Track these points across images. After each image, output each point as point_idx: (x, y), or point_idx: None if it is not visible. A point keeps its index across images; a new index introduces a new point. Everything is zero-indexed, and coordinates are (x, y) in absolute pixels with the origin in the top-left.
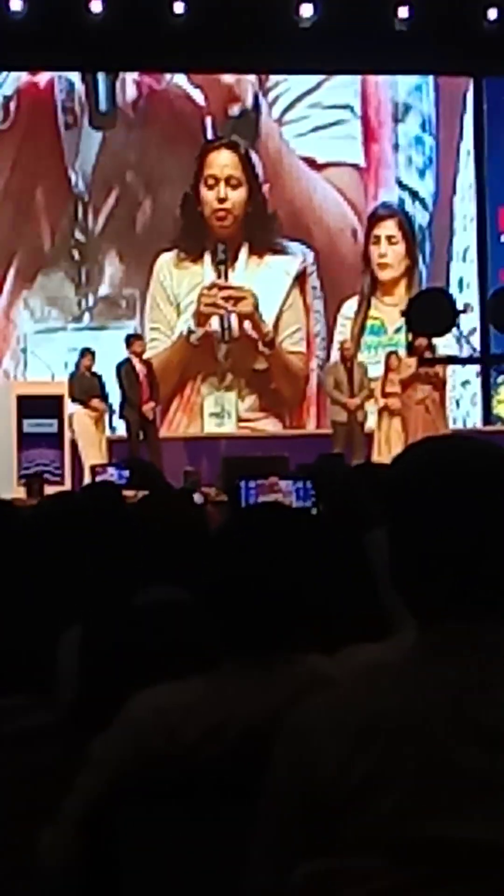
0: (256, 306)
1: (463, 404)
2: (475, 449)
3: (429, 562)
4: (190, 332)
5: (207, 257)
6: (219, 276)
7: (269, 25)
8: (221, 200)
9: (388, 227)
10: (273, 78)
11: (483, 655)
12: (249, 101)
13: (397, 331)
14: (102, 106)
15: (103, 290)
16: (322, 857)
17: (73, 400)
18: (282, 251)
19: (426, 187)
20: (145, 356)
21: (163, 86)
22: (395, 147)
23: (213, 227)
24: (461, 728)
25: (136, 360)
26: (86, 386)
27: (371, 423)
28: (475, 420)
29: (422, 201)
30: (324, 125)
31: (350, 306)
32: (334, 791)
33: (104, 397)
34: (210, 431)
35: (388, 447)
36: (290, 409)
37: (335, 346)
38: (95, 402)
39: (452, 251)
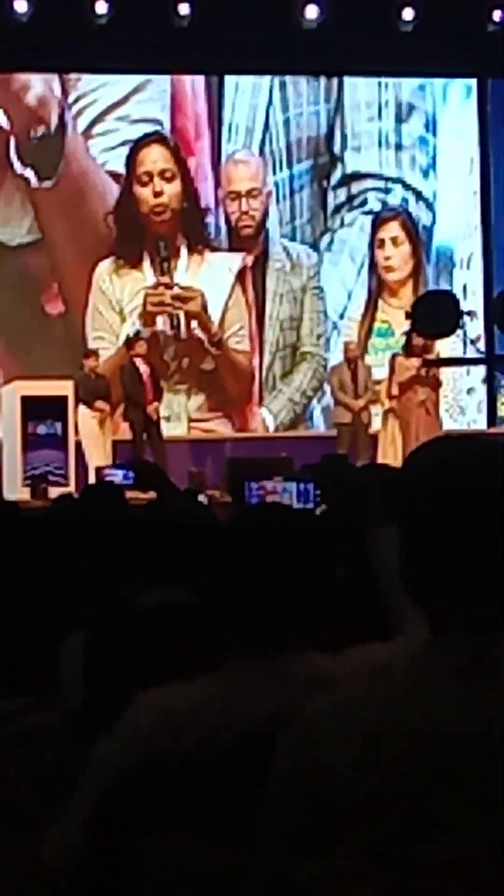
0: (205, 307)
1: (469, 412)
2: (490, 449)
3: (442, 567)
4: (137, 333)
5: (146, 262)
6: (162, 274)
7: (274, 27)
8: (157, 194)
9: (392, 229)
10: (80, 88)
11: (491, 668)
12: (54, 122)
13: (404, 333)
14: None
15: None
16: (326, 857)
17: (78, 401)
18: (220, 248)
19: (430, 188)
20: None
21: None
22: (399, 147)
23: (151, 225)
24: (469, 739)
25: (139, 361)
26: (91, 387)
27: (376, 424)
28: (480, 424)
29: (426, 201)
30: (131, 140)
31: (356, 308)
32: (342, 800)
33: (109, 399)
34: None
35: (392, 449)
36: (238, 408)
37: (340, 346)
38: (100, 404)
39: (456, 258)
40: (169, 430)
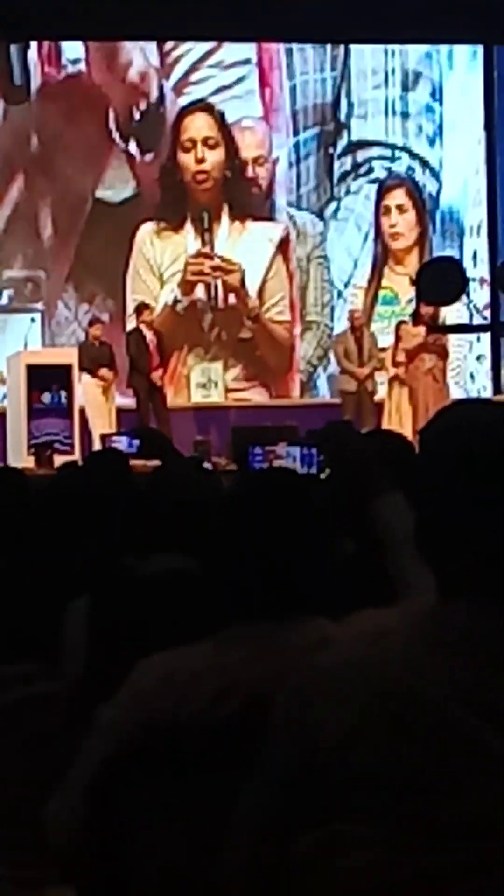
0: (243, 281)
1: (479, 378)
2: None
3: (454, 532)
4: (176, 301)
5: (188, 226)
6: (203, 244)
7: None
8: (200, 161)
9: (398, 196)
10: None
11: (497, 636)
12: (154, 95)
13: (410, 300)
14: (17, 79)
15: (7, 273)
16: (324, 823)
17: (82, 369)
18: (263, 217)
19: (435, 156)
20: (128, 328)
21: (62, 76)
22: (405, 115)
23: (193, 192)
24: (472, 706)
25: (145, 329)
26: (94, 355)
27: (381, 392)
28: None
29: (432, 170)
30: (227, 85)
31: (361, 275)
32: (338, 764)
33: (113, 367)
34: (197, 402)
35: (398, 417)
36: (276, 377)
37: (345, 315)
38: (103, 372)
39: (465, 225)
40: (205, 397)
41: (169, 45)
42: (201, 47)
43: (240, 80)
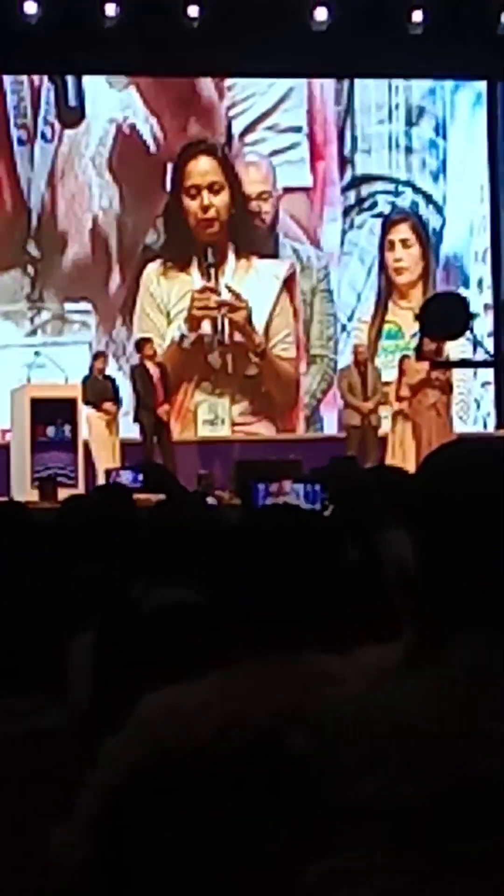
0: (249, 318)
1: (484, 405)
2: None
3: (458, 571)
4: (182, 336)
5: (194, 264)
6: (209, 280)
7: (283, 29)
8: (206, 209)
9: (402, 231)
10: (232, 97)
11: (500, 674)
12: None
13: (414, 335)
14: (72, 102)
15: (57, 304)
16: (331, 855)
17: (86, 403)
18: (268, 253)
19: (439, 191)
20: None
21: (126, 128)
22: (409, 150)
23: (199, 235)
24: (480, 741)
25: (149, 363)
26: (98, 389)
27: (385, 426)
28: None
29: (435, 205)
30: (280, 149)
31: (365, 310)
32: (345, 800)
33: (117, 400)
34: (204, 436)
35: (401, 451)
36: (282, 413)
37: (349, 349)
38: (108, 406)
39: (470, 256)
40: (213, 432)
41: (225, 103)
42: (256, 109)
43: (293, 147)
